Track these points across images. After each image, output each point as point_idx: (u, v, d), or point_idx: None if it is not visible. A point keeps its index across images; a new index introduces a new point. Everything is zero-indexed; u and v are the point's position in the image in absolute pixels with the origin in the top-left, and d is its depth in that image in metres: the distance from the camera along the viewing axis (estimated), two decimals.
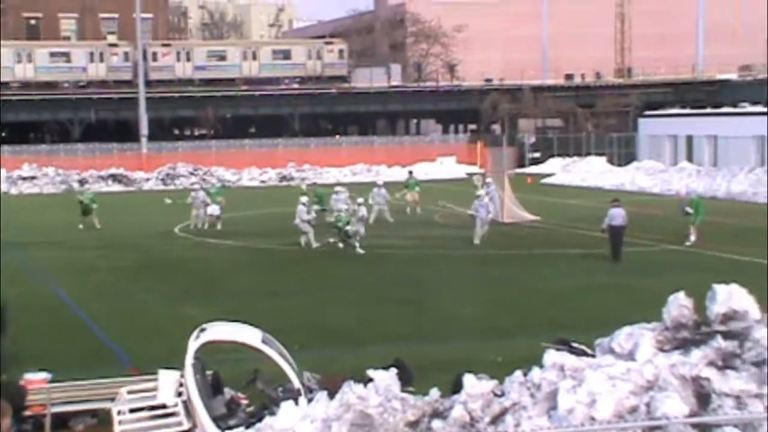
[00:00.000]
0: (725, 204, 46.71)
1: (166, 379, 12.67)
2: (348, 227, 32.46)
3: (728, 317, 12.02)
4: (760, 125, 61.82)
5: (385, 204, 40.88)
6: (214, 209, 39.76)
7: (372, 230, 36.62)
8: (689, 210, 33.64)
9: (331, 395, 11.76)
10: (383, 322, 21.56)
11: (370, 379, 11.85)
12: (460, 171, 70.80)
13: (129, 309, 23.25)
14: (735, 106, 76.21)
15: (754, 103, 76.68)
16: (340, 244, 32.61)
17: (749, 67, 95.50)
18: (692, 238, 32.89)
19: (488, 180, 42.02)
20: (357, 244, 32.20)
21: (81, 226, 39.69)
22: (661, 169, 62.62)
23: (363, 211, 33.79)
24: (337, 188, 39.86)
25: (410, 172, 47.77)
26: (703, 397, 11.11)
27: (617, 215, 29.87)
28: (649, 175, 59.49)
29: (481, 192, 38.62)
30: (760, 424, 10.46)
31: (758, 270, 27.00)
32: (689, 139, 67.84)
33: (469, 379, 11.67)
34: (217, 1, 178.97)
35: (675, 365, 11.37)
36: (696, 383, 11.22)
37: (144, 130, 75.75)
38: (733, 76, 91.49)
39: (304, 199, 34.82)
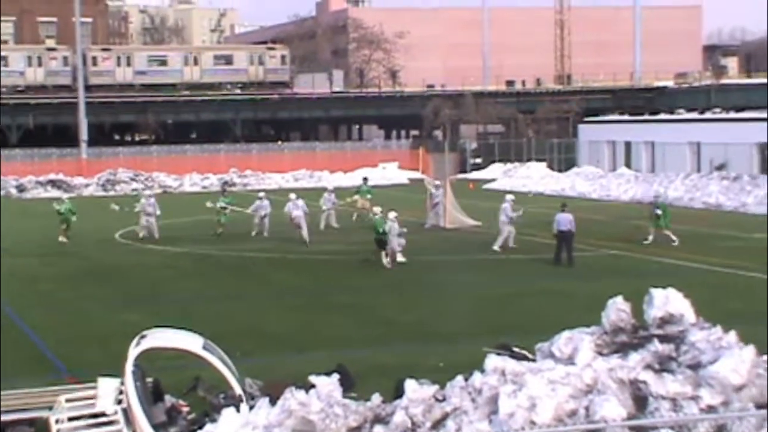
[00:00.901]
0: None
1: (106, 386, 12.55)
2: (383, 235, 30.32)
3: (665, 321, 12.23)
4: (696, 132, 62.87)
5: (332, 209, 40.89)
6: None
7: (316, 236, 36.61)
8: (659, 212, 34.59)
9: (273, 402, 11.75)
10: (325, 328, 21.55)
11: (312, 385, 11.87)
12: (403, 177, 70.95)
13: (69, 316, 22.98)
14: (671, 112, 77.43)
15: (690, 110, 78.03)
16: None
17: (685, 74, 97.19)
18: (673, 237, 33.89)
19: (437, 183, 42.00)
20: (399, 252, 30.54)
21: (62, 239, 36.91)
22: (600, 174, 63.35)
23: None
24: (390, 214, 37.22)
25: (365, 179, 47.65)
26: (640, 400, 11.28)
27: (564, 220, 30.19)
28: (588, 181, 60.14)
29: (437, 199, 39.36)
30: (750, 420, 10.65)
31: (694, 274, 27.48)
32: (627, 145, 68.72)
33: (410, 385, 11.73)
34: (158, 5, 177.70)
35: (613, 369, 11.54)
36: (633, 386, 11.40)
37: (84, 135, 74.86)
38: (669, 83, 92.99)
39: (293, 195, 37.33)
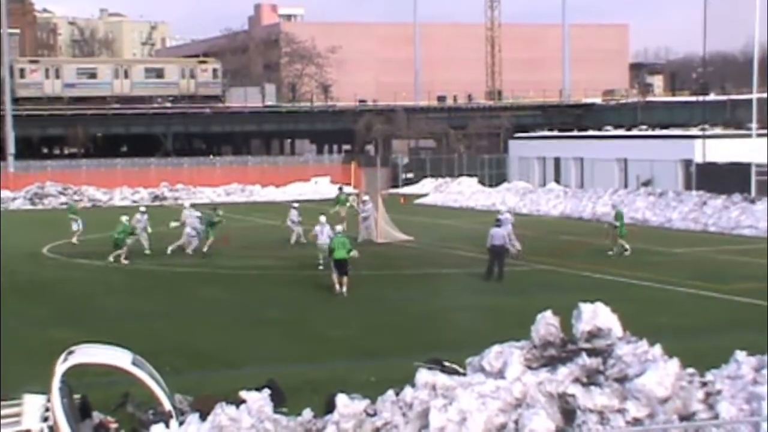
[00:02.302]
0: (591, 224, 48.06)
1: (32, 403, 12.35)
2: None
3: (593, 335, 12.42)
4: (623, 148, 63.95)
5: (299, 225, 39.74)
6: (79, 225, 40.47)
7: (248, 251, 36.44)
8: (616, 223, 36.06)
9: (203, 417, 11.69)
10: (256, 343, 21.47)
11: (243, 401, 11.83)
12: (335, 191, 70.93)
13: None
14: (599, 129, 78.64)
15: (617, 126, 79.36)
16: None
17: (612, 92, 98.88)
18: (626, 246, 35.39)
19: (365, 198, 42.10)
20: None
21: (121, 259, 34.87)
22: (531, 189, 64.02)
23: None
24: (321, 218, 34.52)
25: (340, 188, 47.61)
26: (568, 413, 11.43)
27: (498, 235, 30.40)
28: (518, 196, 60.72)
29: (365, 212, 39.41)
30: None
31: (621, 288, 27.90)
32: (557, 160, 69.63)
33: (341, 399, 11.75)
34: (87, 17, 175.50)
35: (542, 382, 11.67)
36: (562, 400, 11.55)
37: (11, 148, 73.69)
38: (597, 100, 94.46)
39: (187, 203, 38.99)
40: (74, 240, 40.06)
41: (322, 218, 33.22)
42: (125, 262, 34.47)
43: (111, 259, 34.66)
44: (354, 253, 28.27)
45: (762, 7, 54.14)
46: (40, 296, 28.21)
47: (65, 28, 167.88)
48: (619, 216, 36.61)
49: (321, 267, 31.44)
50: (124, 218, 35.99)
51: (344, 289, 27.33)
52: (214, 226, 37.19)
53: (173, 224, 38.41)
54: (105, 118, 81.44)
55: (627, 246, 35.41)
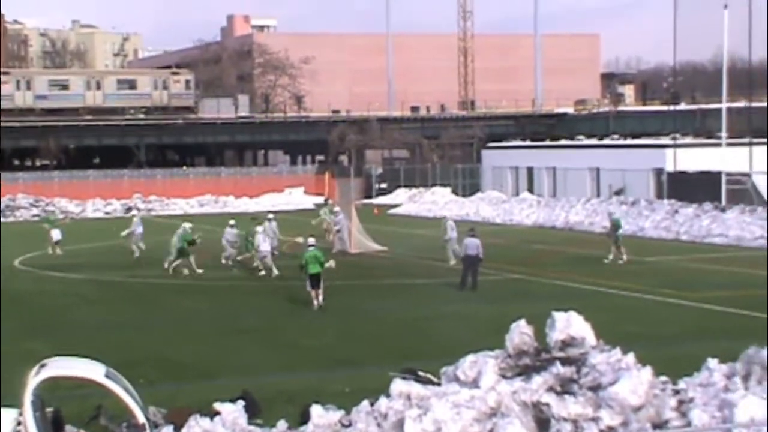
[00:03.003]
0: (564, 233, 48.28)
1: (4, 417, 12.26)
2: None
3: (566, 344, 12.48)
4: (595, 158, 64.30)
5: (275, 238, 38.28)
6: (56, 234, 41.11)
7: (220, 262, 36.33)
8: (617, 233, 36.57)
9: (177, 430, 11.65)
10: (230, 354, 21.40)
11: (217, 413, 11.81)
12: (308, 202, 70.95)
13: None
14: (572, 138, 79.02)
15: (589, 136, 79.75)
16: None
17: (584, 101, 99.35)
18: (624, 257, 35.72)
19: (336, 209, 42.21)
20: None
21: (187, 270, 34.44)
22: (504, 199, 64.21)
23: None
24: (258, 228, 35.14)
25: (326, 201, 47.71)
26: (542, 422, 11.48)
27: (472, 245, 30.46)
28: (492, 206, 60.90)
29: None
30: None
31: (594, 297, 28.03)
32: (530, 170, 69.89)
33: (316, 410, 11.75)
34: (59, 29, 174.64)
35: (517, 392, 11.72)
36: (536, 409, 11.59)
37: None
38: (569, 110, 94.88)
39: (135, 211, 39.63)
40: (57, 251, 40.58)
41: (259, 228, 34.77)
42: (200, 271, 34.15)
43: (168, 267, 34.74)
44: (330, 263, 28.32)
45: (741, 18, 54.64)
46: (12, 308, 27.97)
47: (36, 39, 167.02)
48: (617, 223, 36.82)
49: (262, 274, 33.47)
50: (187, 225, 35.86)
51: (320, 299, 27.27)
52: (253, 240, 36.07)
53: (124, 233, 39.44)
54: (77, 130, 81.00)
55: (610, 256, 35.54)
